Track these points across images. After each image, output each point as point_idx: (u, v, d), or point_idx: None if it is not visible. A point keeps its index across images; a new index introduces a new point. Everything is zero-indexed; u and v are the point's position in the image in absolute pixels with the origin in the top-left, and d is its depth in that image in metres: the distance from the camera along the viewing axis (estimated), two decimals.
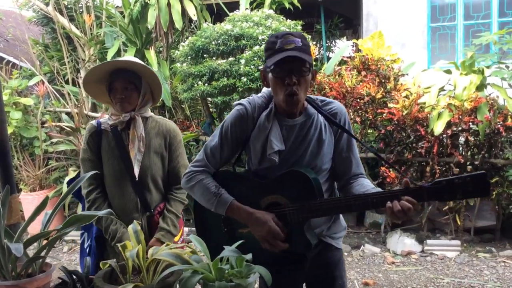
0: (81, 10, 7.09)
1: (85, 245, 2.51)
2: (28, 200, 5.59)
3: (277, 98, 1.81)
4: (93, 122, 2.46)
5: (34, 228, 1.84)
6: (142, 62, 2.37)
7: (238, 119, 1.90)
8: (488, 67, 4.84)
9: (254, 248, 1.56)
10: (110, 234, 2.34)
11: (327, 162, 1.90)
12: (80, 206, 5.39)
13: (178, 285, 1.40)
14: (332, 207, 1.75)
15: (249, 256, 1.39)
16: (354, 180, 1.91)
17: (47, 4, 7.22)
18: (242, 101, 1.95)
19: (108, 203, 2.40)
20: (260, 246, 1.80)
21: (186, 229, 4.95)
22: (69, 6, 7.42)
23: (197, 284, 1.32)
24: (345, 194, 1.94)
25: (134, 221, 1.66)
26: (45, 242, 1.55)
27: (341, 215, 2.06)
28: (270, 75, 1.78)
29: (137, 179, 2.34)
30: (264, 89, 1.97)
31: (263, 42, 5.01)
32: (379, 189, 1.77)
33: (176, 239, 2.47)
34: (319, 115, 1.89)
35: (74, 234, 5.46)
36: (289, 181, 1.80)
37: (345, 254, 4.71)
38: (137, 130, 2.33)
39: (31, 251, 1.55)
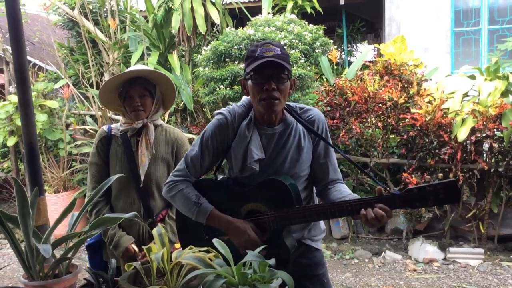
0: (105, 14, 7.21)
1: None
2: (52, 201, 5.67)
3: (256, 105, 1.85)
4: (104, 127, 2.52)
5: (59, 231, 1.88)
6: (158, 70, 2.42)
7: (218, 128, 1.94)
8: None
9: (234, 255, 1.59)
10: (108, 238, 2.39)
11: (305, 168, 1.95)
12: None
13: None
14: (309, 215, 1.79)
15: (272, 261, 1.39)
16: (332, 185, 1.97)
17: (72, 9, 7.37)
18: (222, 110, 1.99)
19: (110, 206, 2.45)
20: (240, 253, 1.83)
21: None
22: (94, 11, 7.55)
23: None
24: (322, 199, 2.01)
25: (159, 224, 1.69)
26: (71, 243, 1.59)
27: None
28: (249, 82, 1.82)
29: (141, 185, 2.37)
30: (244, 98, 2.01)
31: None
32: (355, 195, 1.82)
33: (177, 245, 2.49)
34: (298, 122, 1.93)
35: None
36: (267, 189, 1.85)
37: (366, 260, 4.68)
38: (150, 137, 2.38)
39: (56, 252, 1.59)
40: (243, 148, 1.89)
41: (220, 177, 2.10)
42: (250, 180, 1.92)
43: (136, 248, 2.36)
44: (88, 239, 2.53)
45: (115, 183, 2.41)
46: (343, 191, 1.88)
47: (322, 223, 2.12)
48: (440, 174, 4.63)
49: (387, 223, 5.24)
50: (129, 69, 2.43)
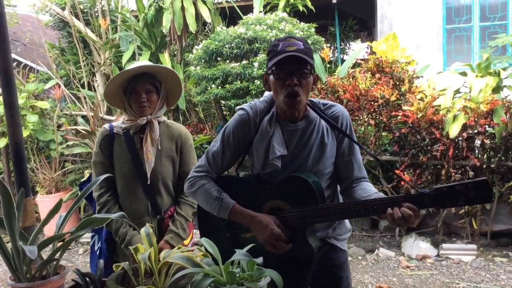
0: (96, 14, 7.18)
1: (96, 248, 2.54)
2: (44, 203, 5.66)
3: (278, 100, 1.81)
4: (106, 125, 2.48)
5: (51, 231, 1.86)
6: (167, 67, 2.41)
7: (240, 124, 1.91)
8: (504, 69, 4.78)
9: (256, 253, 1.55)
10: (120, 236, 2.37)
11: (329, 166, 1.90)
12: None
13: None
14: (333, 213, 1.73)
15: (260, 260, 1.39)
16: (357, 184, 1.91)
17: (63, 9, 7.33)
18: (244, 106, 1.95)
19: (119, 205, 2.43)
20: (262, 251, 1.79)
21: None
22: (85, 11, 7.52)
23: (208, 287, 1.33)
24: (347, 198, 1.94)
25: (147, 224, 1.68)
26: (59, 244, 1.57)
27: None
28: (271, 77, 1.79)
29: (148, 182, 2.36)
30: (266, 94, 1.98)
31: None
32: (381, 194, 1.76)
33: (186, 242, 2.48)
34: (321, 119, 1.89)
35: (90, 236, 5.53)
36: (290, 186, 1.80)
37: (359, 258, 4.68)
38: (154, 133, 2.36)
39: (46, 253, 1.58)
40: (265, 144, 1.86)
41: (242, 174, 2.07)
42: (272, 176, 1.88)
43: None
44: (104, 234, 2.51)
45: (120, 181, 2.42)
46: (368, 189, 1.83)
47: (347, 222, 2.07)
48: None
49: (381, 220, 5.24)
50: (138, 64, 2.38)
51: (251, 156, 1.97)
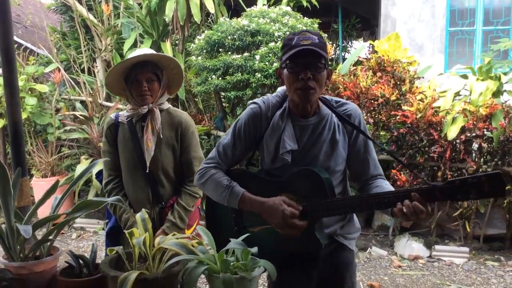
0: (99, 0, 7.13)
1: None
2: (39, 186, 5.65)
3: (291, 94, 1.80)
4: (112, 115, 2.51)
5: (45, 214, 1.86)
6: (168, 55, 2.43)
7: (252, 117, 1.90)
8: (505, 73, 4.78)
9: (265, 247, 1.53)
10: (123, 222, 2.39)
11: (340, 163, 1.89)
12: (91, 192, 5.45)
13: (183, 275, 1.40)
14: (343, 206, 1.72)
15: (254, 250, 1.39)
16: (373, 181, 1.91)
17: None
18: (257, 100, 1.95)
19: (125, 193, 2.46)
20: (271, 245, 1.79)
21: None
22: None
23: (202, 274, 1.32)
24: None
25: (143, 209, 1.67)
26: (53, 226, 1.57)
27: (355, 216, 2.05)
28: (285, 71, 1.77)
29: (147, 170, 2.36)
30: (279, 89, 1.97)
31: (279, 39, 4.99)
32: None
33: (188, 232, 2.48)
34: (333, 115, 1.88)
35: (83, 222, 5.52)
36: (301, 179, 1.79)
37: None
38: (156, 122, 2.36)
39: (41, 235, 1.57)
40: (276, 138, 1.86)
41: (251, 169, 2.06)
42: (281, 172, 1.87)
43: None
44: (107, 225, 2.57)
45: (124, 170, 2.45)
46: (384, 186, 1.83)
47: (357, 221, 2.06)
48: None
49: (374, 218, 5.26)
50: (139, 52, 2.36)
51: (261, 151, 1.96)
